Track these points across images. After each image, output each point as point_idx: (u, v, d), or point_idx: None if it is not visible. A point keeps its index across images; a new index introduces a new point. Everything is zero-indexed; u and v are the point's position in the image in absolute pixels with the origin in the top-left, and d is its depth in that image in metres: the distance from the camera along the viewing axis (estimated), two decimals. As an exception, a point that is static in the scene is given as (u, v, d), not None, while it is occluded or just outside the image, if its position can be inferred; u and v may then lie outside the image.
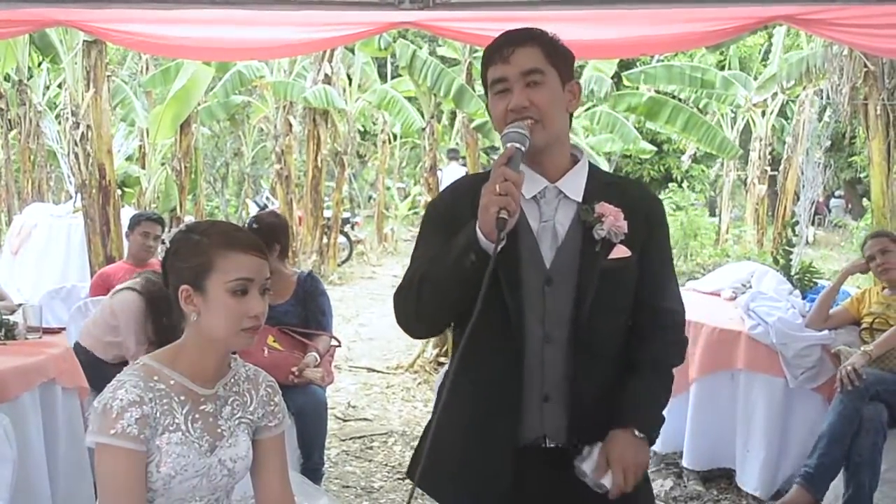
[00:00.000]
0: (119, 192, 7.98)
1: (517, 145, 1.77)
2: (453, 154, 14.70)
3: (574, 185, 1.90)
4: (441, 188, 8.23)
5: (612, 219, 1.83)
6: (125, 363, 4.09)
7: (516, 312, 1.83)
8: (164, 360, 1.87)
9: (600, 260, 1.85)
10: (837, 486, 3.79)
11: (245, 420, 1.94)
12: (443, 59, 8.89)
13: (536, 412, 1.87)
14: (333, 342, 4.37)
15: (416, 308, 1.86)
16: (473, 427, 1.90)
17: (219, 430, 1.88)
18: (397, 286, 1.94)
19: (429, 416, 6.00)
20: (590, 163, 1.98)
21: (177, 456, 1.80)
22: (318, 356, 4.09)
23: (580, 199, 1.88)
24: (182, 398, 1.84)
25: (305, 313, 4.22)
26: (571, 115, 1.97)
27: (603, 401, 1.88)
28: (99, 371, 3.83)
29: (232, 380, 1.95)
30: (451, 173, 14.00)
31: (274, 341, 3.98)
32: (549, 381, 1.86)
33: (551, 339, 1.86)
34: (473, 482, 1.91)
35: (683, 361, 2.02)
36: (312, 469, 3.94)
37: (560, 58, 1.89)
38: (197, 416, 1.85)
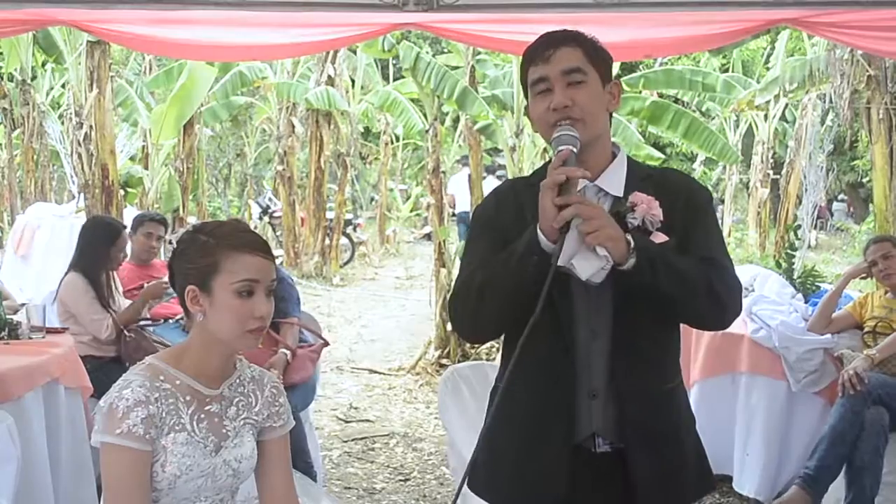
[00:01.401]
0: (122, 192, 8.00)
1: (571, 147, 1.78)
2: (466, 161, 14.77)
3: (613, 180, 1.90)
4: (445, 193, 8.23)
5: (646, 206, 1.82)
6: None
7: (565, 310, 1.83)
8: (169, 360, 1.87)
9: None
10: (838, 489, 3.78)
11: (250, 421, 1.94)
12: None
13: (585, 410, 1.87)
14: (318, 340, 4.34)
15: (475, 312, 1.88)
16: (526, 428, 1.89)
17: (224, 431, 1.88)
18: (452, 292, 1.95)
19: (430, 418, 6.01)
20: (628, 156, 1.98)
21: (182, 456, 1.80)
22: (287, 352, 4.02)
23: (620, 194, 1.88)
24: (188, 398, 1.84)
25: None
26: (611, 114, 1.97)
27: (649, 396, 1.87)
28: (101, 375, 3.88)
29: (237, 380, 1.95)
30: (458, 180, 14.05)
31: None
32: (595, 378, 1.86)
33: (597, 335, 1.86)
34: (529, 484, 1.90)
35: (729, 305, 1.87)
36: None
37: (600, 58, 1.90)
38: (202, 416, 1.85)
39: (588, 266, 1.74)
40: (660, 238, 1.82)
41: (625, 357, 1.85)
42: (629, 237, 1.74)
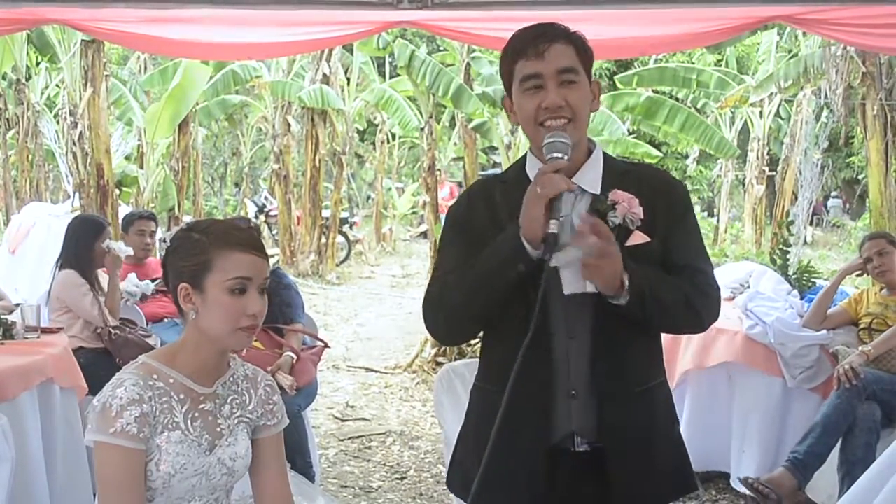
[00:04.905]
0: (117, 191, 7.99)
1: (564, 157, 1.76)
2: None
3: (590, 177, 1.88)
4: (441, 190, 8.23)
5: (626, 205, 1.79)
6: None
7: (541, 310, 1.78)
8: (163, 359, 1.87)
9: None
10: (832, 485, 3.79)
11: (244, 419, 1.94)
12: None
13: (564, 410, 1.86)
14: (317, 342, 4.35)
15: (450, 316, 1.90)
16: (502, 428, 1.81)
17: (218, 429, 1.88)
18: (425, 295, 1.95)
19: (427, 416, 6.01)
20: (604, 152, 1.96)
21: (176, 455, 1.80)
22: (293, 355, 4.05)
23: (598, 191, 1.85)
24: (181, 397, 1.84)
25: (272, 308, 4.20)
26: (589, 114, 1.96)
27: (629, 396, 1.86)
28: (95, 369, 3.87)
29: (231, 379, 1.95)
30: None
31: (255, 339, 3.97)
32: (574, 378, 1.85)
33: (575, 335, 1.85)
34: (507, 484, 1.88)
35: (704, 316, 1.90)
36: (300, 474, 3.92)
37: (588, 57, 1.88)
38: (196, 414, 1.85)
39: (574, 284, 1.80)
40: (640, 238, 1.82)
41: (604, 358, 1.84)
42: (625, 278, 1.74)
